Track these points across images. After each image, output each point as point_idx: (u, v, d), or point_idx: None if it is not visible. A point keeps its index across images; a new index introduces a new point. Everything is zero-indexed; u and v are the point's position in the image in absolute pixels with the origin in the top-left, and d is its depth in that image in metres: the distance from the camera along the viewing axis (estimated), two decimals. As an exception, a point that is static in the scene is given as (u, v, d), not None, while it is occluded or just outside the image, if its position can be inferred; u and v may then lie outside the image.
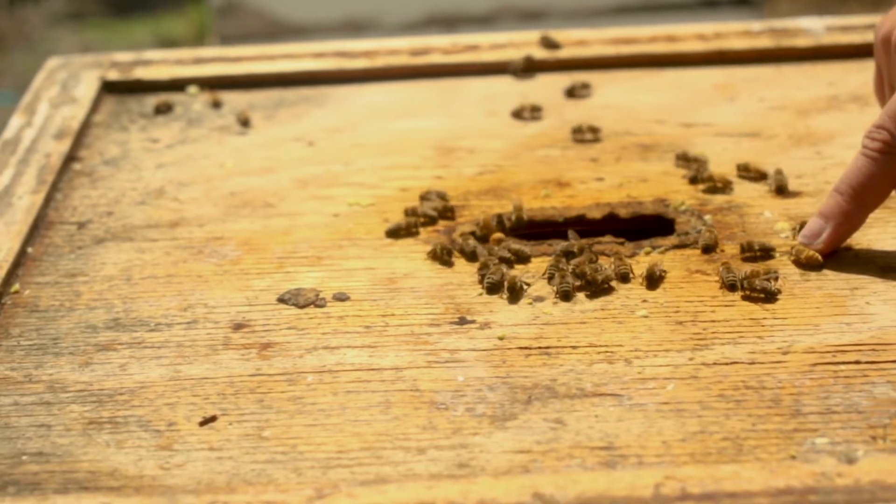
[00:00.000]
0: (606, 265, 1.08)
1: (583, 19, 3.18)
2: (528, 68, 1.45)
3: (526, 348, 1.00)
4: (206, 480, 0.88)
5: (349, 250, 1.14)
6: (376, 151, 1.31)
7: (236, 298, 1.08)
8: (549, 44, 1.48)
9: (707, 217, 1.16)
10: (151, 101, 1.43)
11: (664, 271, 1.07)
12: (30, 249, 1.16)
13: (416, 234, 1.16)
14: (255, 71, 1.47)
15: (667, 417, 0.91)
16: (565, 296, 1.05)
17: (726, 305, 1.03)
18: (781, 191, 1.19)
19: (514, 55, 1.47)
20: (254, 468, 0.88)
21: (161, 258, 1.14)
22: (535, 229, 1.17)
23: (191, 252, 1.15)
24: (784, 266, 1.08)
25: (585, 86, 1.40)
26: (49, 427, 0.94)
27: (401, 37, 1.57)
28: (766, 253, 1.09)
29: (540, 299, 1.06)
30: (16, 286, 1.11)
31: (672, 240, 1.13)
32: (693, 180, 1.21)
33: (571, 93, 1.40)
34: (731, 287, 1.05)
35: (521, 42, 1.50)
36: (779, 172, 1.20)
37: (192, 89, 1.45)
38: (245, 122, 1.38)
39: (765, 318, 1.02)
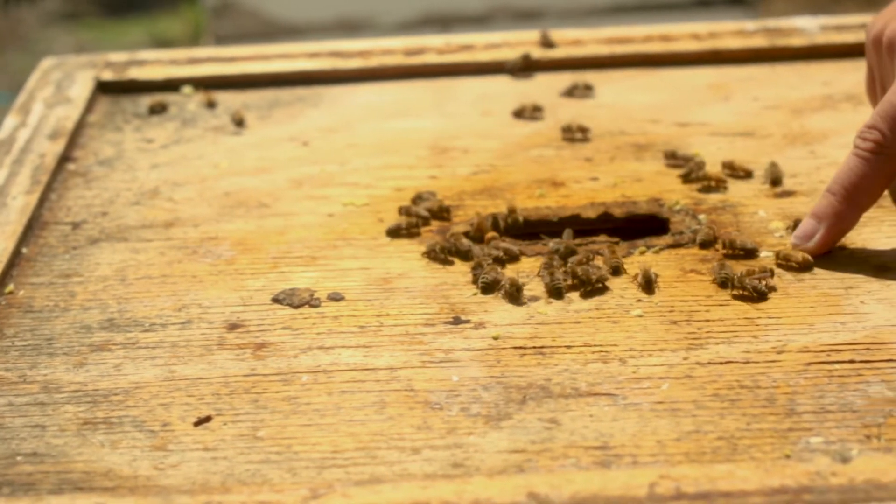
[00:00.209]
0: (600, 263, 1.09)
1: (578, 19, 3.18)
2: (526, 67, 1.45)
3: (520, 348, 1.00)
4: (201, 481, 0.88)
5: (344, 250, 1.14)
6: (371, 151, 1.31)
7: (231, 298, 1.08)
8: (547, 42, 1.48)
9: (701, 216, 1.16)
10: (146, 101, 1.43)
11: (656, 274, 1.07)
12: (24, 250, 1.16)
13: (417, 234, 1.16)
14: (250, 71, 1.47)
15: (661, 417, 0.91)
16: (557, 293, 1.05)
17: (721, 305, 1.03)
18: (777, 183, 1.19)
19: (509, 55, 1.47)
20: (248, 468, 0.88)
21: (156, 258, 1.14)
22: (530, 229, 1.17)
23: (185, 252, 1.15)
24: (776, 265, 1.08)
25: (588, 87, 1.40)
26: (44, 427, 0.94)
27: (395, 37, 1.57)
28: (748, 253, 1.09)
29: (534, 299, 1.06)
30: (10, 286, 1.11)
31: (666, 239, 1.13)
32: (686, 178, 1.21)
33: (571, 92, 1.40)
34: (722, 284, 1.05)
35: (515, 42, 1.50)
36: (773, 165, 1.21)
37: (187, 89, 1.45)
38: (239, 122, 1.38)
39: (759, 318, 1.02)
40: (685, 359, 0.97)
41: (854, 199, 1.09)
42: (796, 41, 1.46)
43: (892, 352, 0.97)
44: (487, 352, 0.99)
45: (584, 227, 1.16)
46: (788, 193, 1.19)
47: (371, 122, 1.37)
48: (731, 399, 0.93)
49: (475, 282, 1.07)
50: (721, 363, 0.97)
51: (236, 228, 1.18)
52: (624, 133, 1.32)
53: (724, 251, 1.10)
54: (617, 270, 1.08)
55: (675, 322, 1.02)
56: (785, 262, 1.07)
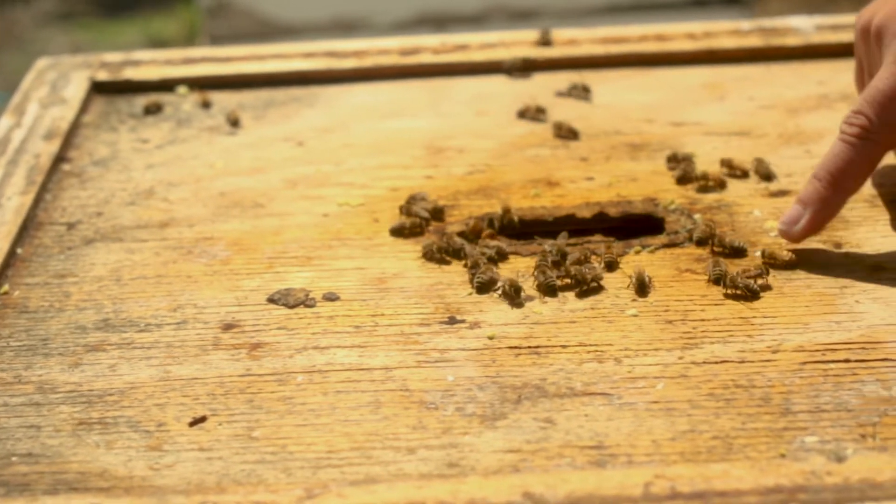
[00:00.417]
0: (596, 263, 1.09)
1: (573, 19, 3.18)
2: (524, 69, 1.45)
3: (516, 348, 1.00)
4: (196, 481, 0.88)
5: (339, 250, 1.14)
6: (366, 151, 1.31)
7: (226, 299, 1.08)
8: (546, 41, 1.48)
9: (696, 216, 1.16)
10: (141, 101, 1.43)
11: (650, 277, 1.07)
12: (19, 250, 1.16)
13: (420, 233, 1.15)
14: (245, 71, 1.47)
15: (656, 416, 0.91)
16: (550, 290, 1.05)
17: (716, 304, 1.03)
18: (768, 178, 1.19)
19: (504, 55, 1.47)
20: (244, 468, 0.88)
21: (151, 258, 1.14)
22: (526, 229, 1.17)
23: (180, 252, 1.15)
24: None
25: (585, 88, 1.40)
26: (39, 428, 0.94)
27: (391, 37, 1.57)
28: (736, 252, 1.10)
29: (530, 298, 1.06)
30: (5, 287, 1.11)
31: (662, 239, 1.13)
32: (681, 180, 1.21)
33: (569, 93, 1.40)
34: (716, 281, 1.05)
35: (511, 42, 1.50)
36: (759, 161, 1.21)
37: (182, 89, 1.45)
38: (235, 123, 1.38)
39: (754, 317, 1.02)
40: (680, 358, 0.97)
41: (840, 184, 1.09)
42: (791, 41, 1.46)
43: (887, 351, 0.97)
44: (483, 352, 0.99)
45: (579, 226, 1.16)
46: (784, 193, 1.19)
47: (366, 122, 1.37)
48: (727, 398, 0.93)
49: (471, 281, 1.07)
50: (716, 362, 0.97)
51: (231, 228, 1.18)
52: (619, 133, 1.32)
53: (715, 249, 1.10)
54: (612, 265, 1.08)
55: (670, 321, 1.02)
56: (771, 261, 1.08)
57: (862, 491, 0.83)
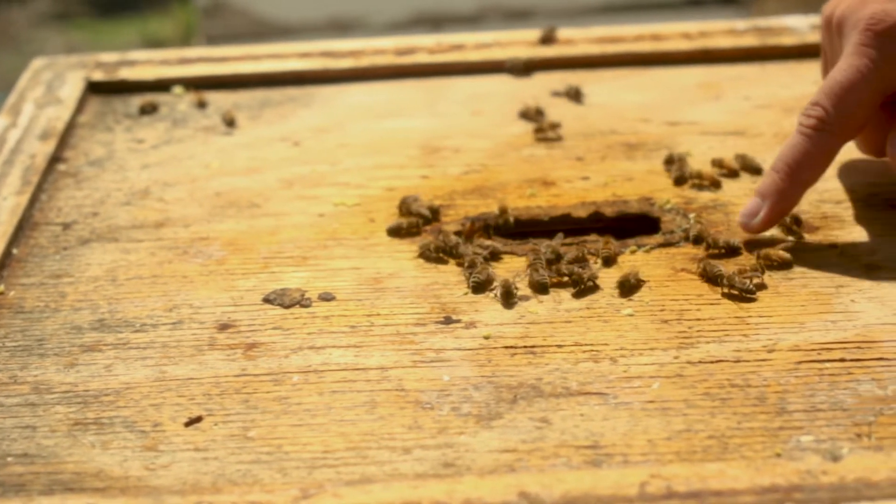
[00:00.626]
0: (592, 262, 1.09)
1: (569, 18, 3.18)
2: (527, 68, 1.45)
3: (511, 347, 1.00)
4: (192, 481, 0.88)
5: (335, 250, 1.14)
6: (362, 151, 1.31)
7: (221, 299, 1.08)
8: (549, 39, 1.48)
9: (691, 216, 1.16)
10: (136, 101, 1.43)
11: (637, 280, 1.06)
12: (14, 250, 1.16)
13: (417, 233, 1.15)
14: (241, 71, 1.47)
15: (652, 416, 0.91)
16: (542, 288, 1.05)
17: (711, 304, 1.04)
18: (758, 171, 1.20)
19: (500, 55, 1.47)
20: (239, 468, 0.88)
21: (146, 259, 1.14)
22: (522, 229, 1.17)
23: (176, 252, 1.15)
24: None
25: (578, 92, 1.39)
26: (34, 428, 0.94)
27: (387, 36, 1.57)
28: (731, 251, 1.10)
29: (525, 298, 1.06)
30: (1, 287, 1.10)
31: (657, 238, 1.13)
32: (677, 181, 1.21)
33: (565, 94, 1.40)
34: (711, 280, 1.05)
35: (507, 41, 1.50)
36: (742, 157, 1.22)
37: (178, 89, 1.45)
38: (230, 123, 1.38)
39: (750, 317, 1.02)
40: (676, 358, 0.97)
41: (797, 176, 1.09)
42: (787, 40, 1.46)
43: (882, 350, 0.97)
44: (478, 351, 0.99)
45: (575, 226, 1.17)
46: (779, 192, 1.19)
47: (362, 122, 1.37)
48: (722, 398, 0.93)
49: (467, 281, 1.07)
50: (712, 362, 0.97)
51: (227, 228, 1.18)
52: (615, 132, 1.32)
53: (710, 251, 1.10)
54: (609, 261, 1.08)
55: (665, 321, 1.02)
56: (765, 261, 1.08)
57: (857, 490, 0.83)
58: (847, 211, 1.15)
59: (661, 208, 1.18)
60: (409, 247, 1.14)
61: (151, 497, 0.85)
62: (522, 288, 1.07)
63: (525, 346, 1.00)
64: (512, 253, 1.12)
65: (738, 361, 0.97)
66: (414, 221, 1.16)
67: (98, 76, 1.47)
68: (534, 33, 1.51)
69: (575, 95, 1.39)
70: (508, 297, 1.05)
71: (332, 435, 0.91)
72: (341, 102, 1.42)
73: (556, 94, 1.40)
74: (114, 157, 1.32)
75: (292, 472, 0.88)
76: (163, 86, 1.46)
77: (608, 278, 1.07)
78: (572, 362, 0.97)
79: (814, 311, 1.02)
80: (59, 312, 1.07)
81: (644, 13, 3.26)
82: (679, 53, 1.46)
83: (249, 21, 3.35)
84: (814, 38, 1.45)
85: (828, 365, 0.96)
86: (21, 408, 0.96)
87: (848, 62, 1.09)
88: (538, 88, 1.42)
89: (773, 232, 1.12)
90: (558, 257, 1.09)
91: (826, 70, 1.20)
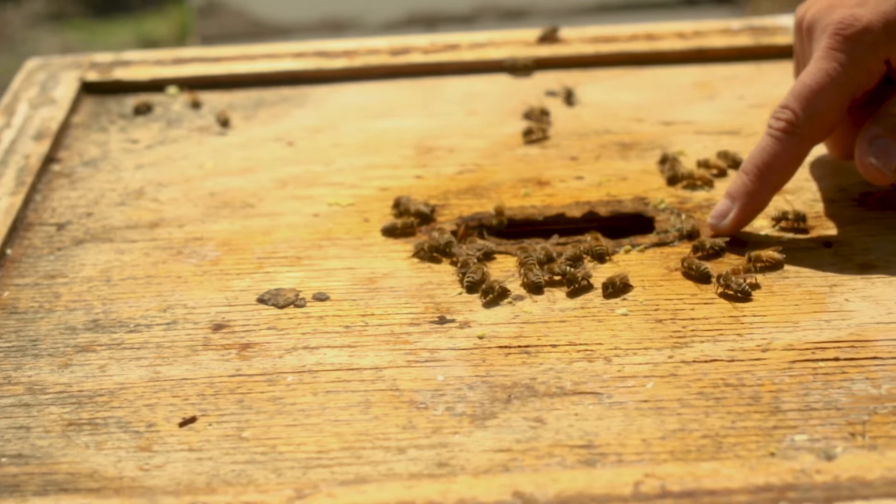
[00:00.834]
0: (587, 261, 1.09)
1: (564, 18, 3.18)
2: (528, 68, 1.45)
3: (506, 347, 1.00)
4: (186, 481, 0.87)
5: (329, 250, 1.14)
6: (356, 151, 1.31)
7: (216, 299, 1.08)
8: (550, 37, 1.48)
9: (683, 216, 1.16)
10: (131, 101, 1.43)
11: (623, 282, 1.06)
12: (9, 251, 1.16)
13: (411, 233, 1.15)
14: (235, 71, 1.47)
15: (646, 415, 0.91)
16: (536, 288, 1.05)
17: (706, 303, 1.04)
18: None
19: (494, 54, 1.47)
20: (234, 469, 0.88)
21: (140, 259, 1.14)
22: (515, 228, 1.17)
23: (170, 253, 1.15)
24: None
25: (570, 94, 1.39)
26: (28, 429, 0.94)
27: (381, 36, 1.57)
28: (717, 252, 1.10)
29: (520, 298, 1.06)
30: (-6, 288, 1.11)
31: (652, 238, 1.13)
32: (671, 181, 1.21)
33: (558, 95, 1.40)
34: (700, 279, 1.05)
35: (501, 41, 1.50)
36: (724, 154, 1.22)
37: (172, 90, 1.45)
38: (225, 123, 1.37)
39: (744, 316, 1.02)
40: (670, 357, 0.97)
41: (766, 178, 1.10)
42: (781, 39, 1.46)
43: (876, 349, 0.97)
44: (473, 351, 0.99)
45: (569, 226, 1.17)
46: (773, 191, 1.19)
47: (356, 122, 1.37)
48: (716, 397, 0.93)
49: (461, 281, 1.07)
50: (706, 361, 0.97)
51: (221, 229, 1.18)
52: (609, 132, 1.32)
53: (696, 253, 1.10)
54: (601, 257, 1.08)
55: (659, 321, 1.02)
56: (755, 263, 1.08)
57: (851, 489, 0.83)
58: (841, 210, 1.15)
59: (656, 208, 1.18)
60: (404, 247, 1.14)
61: (146, 497, 0.85)
62: (517, 287, 1.07)
63: (519, 346, 1.00)
64: (506, 253, 1.12)
65: (732, 361, 0.97)
66: (408, 221, 1.16)
67: (92, 76, 1.47)
68: (528, 33, 1.51)
69: (567, 97, 1.39)
70: (501, 298, 1.05)
71: (327, 435, 0.91)
72: (335, 102, 1.42)
73: (551, 93, 1.40)
74: (108, 157, 1.32)
75: (287, 472, 0.88)
76: (157, 86, 1.45)
77: (603, 277, 1.07)
78: (566, 362, 0.97)
79: (808, 310, 1.02)
80: (54, 313, 1.07)
81: (638, 13, 3.26)
82: (673, 53, 1.46)
83: (244, 21, 3.35)
84: (808, 37, 1.45)
85: (822, 364, 0.96)
86: (15, 408, 0.96)
87: (817, 66, 1.10)
88: (533, 88, 1.42)
89: (770, 231, 1.13)
90: (549, 258, 1.09)
91: (798, 73, 1.20)
